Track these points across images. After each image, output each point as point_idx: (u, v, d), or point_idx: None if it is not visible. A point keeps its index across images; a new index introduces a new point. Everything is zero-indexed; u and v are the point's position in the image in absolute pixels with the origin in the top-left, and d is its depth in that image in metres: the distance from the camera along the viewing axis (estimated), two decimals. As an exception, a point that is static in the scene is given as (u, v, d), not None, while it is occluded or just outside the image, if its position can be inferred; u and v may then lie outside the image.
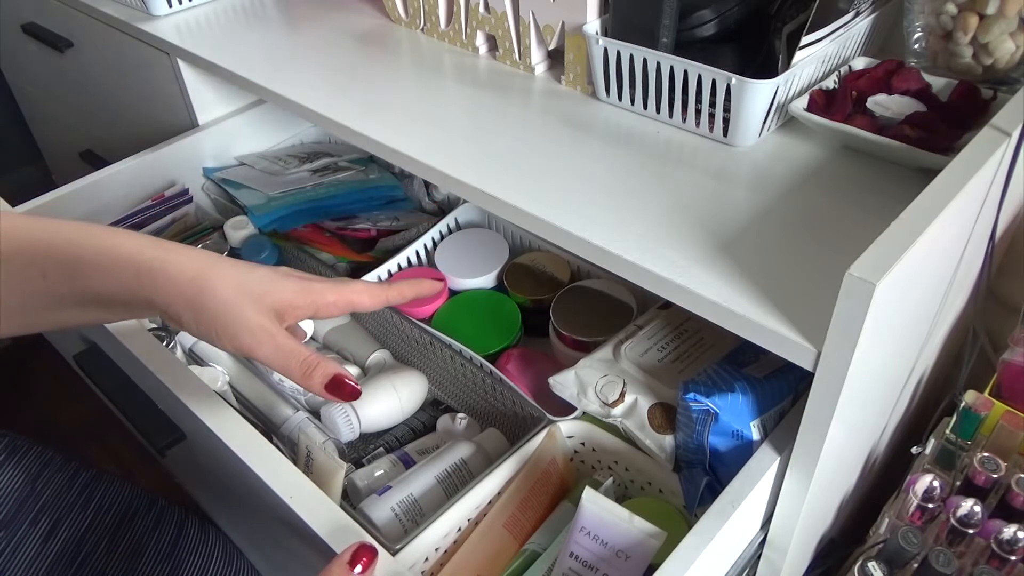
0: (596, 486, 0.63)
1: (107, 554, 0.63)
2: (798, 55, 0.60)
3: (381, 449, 0.76)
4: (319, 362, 0.49)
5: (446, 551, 0.62)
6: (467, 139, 0.67)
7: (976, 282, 0.70)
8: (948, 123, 0.59)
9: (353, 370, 0.82)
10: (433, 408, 0.80)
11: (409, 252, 0.91)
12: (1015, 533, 0.56)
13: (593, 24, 0.68)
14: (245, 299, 0.48)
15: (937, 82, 0.63)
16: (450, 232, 0.94)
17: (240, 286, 0.48)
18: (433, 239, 0.93)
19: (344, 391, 0.50)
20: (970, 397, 0.65)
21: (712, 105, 0.63)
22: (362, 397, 0.75)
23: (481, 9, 0.76)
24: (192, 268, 0.48)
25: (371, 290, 0.55)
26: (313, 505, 0.54)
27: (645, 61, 0.64)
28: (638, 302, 0.80)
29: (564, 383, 0.67)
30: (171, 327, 0.78)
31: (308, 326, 0.84)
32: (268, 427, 0.77)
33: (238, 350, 0.48)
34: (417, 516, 0.63)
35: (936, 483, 0.61)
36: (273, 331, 0.48)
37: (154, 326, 0.77)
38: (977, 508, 0.58)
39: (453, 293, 0.88)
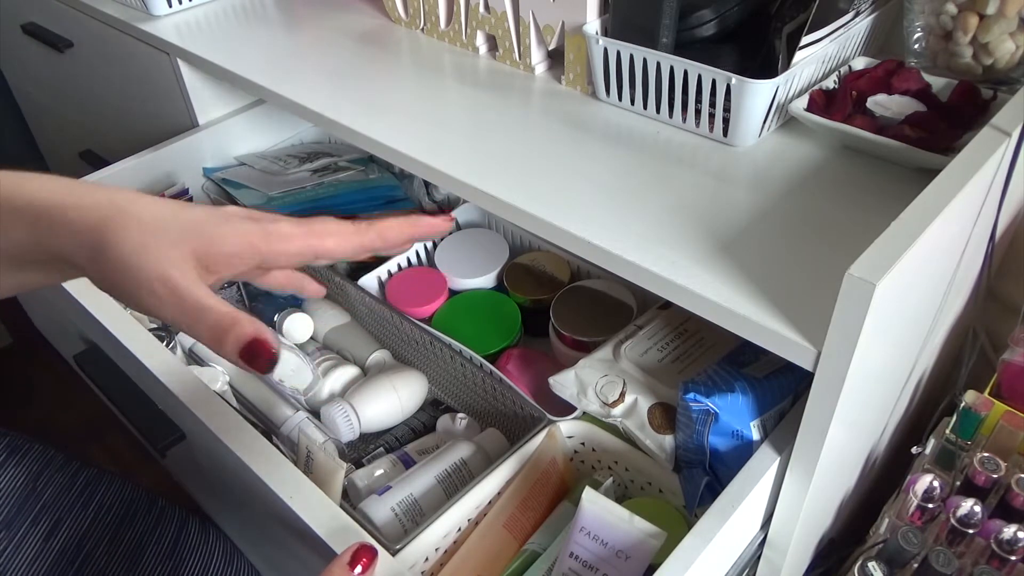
0: (596, 486, 0.63)
1: (108, 554, 0.63)
2: (798, 55, 0.60)
3: (381, 449, 0.76)
4: (234, 323, 0.38)
5: (446, 551, 0.62)
6: (467, 139, 0.67)
7: (976, 282, 0.70)
8: (948, 123, 0.59)
9: (353, 370, 0.82)
10: (433, 408, 0.80)
11: (409, 252, 0.91)
12: (1015, 533, 0.56)
13: (593, 24, 0.68)
14: (155, 246, 0.39)
15: (937, 82, 0.63)
16: (450, 232, 0.94)
17: (153, 230, 0.39)
18: (433, 239, 0.93)
19: (259, 358, 0.39)
20: (970, 397, 0.65)
21: (712, 105, 0.63)
22: (362, 397, 0.76)
23: (481, 9, 0.76)
24: (97, 213, 0.39)
25: (342, 231, 0.44)
26: (313, 505, 0.54)
27: (645, 61, 0.64)
28: (638, 302, 0.80)
29: (564, 383, 0.67)
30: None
31: (307, 326, 0.83)
32: (268, 427, 0.77)
33: (142, 310, 0.40)
34: (417, 516, 0.63)
35: (936, 483, 0.61)
36: (178, 283, 0.38)
37: (154, 326, 0.77)
38: (977, 508, 0.58)
39: (453, 293, 0.88)
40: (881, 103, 0.62)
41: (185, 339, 0.80)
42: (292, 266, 0.44)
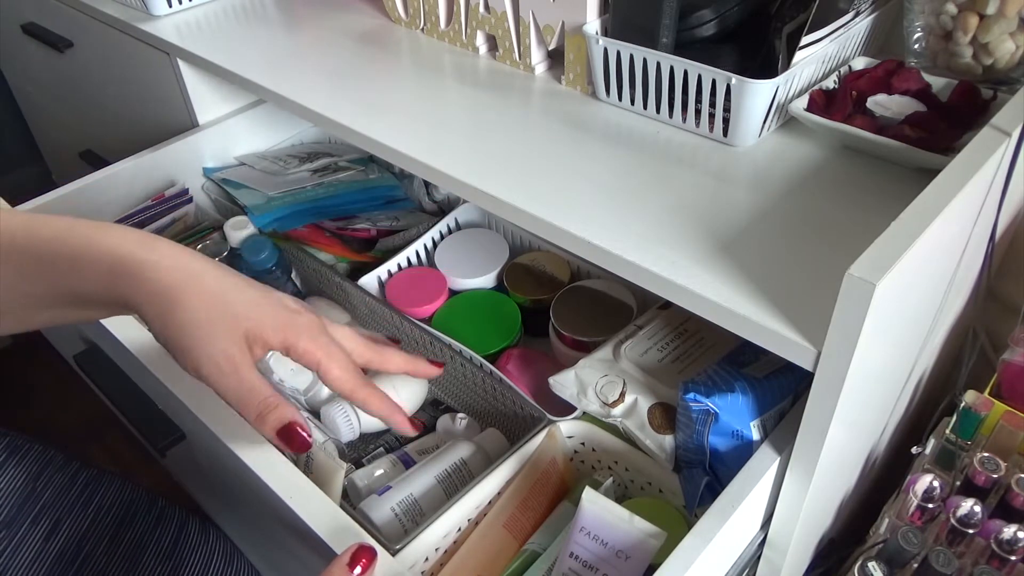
0: (596, 486, 0.63)
1: (107, 554, 0.63)
2: (798, 55, 0.60)
3: (381, 449, 0.76)
4: (277, 405, 0.46)
5: (446, 551, 0.62)
6: (467, 139, 0.66)
7: (976, 282, 0.70)
8: (948, 123, 0.59)
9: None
10: (433, 408, 0.80)
11: (409, 252, 0.91)
12: (1015, 533, 0.56)
13: (593, 24, 0.68)
14: (218, 322, 0.44)
15: (937, 82, 0.63)
16: (450, 232, 0.94)
17: (217, 306, 0.44)
18: (433, 239, 0.93)
19: (294, 442, 0.46)
20: (970, 397, 0.65)
21: (712, 105, 0.63)
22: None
23: (481, 9, 0.76)
24: (170, 277, 0.44)
25: (346, 370, 0.50)
26: (313, 505, 0.54)
27: (645, 61, 0.64)
28: (638, 302, 0.80)
29: (564, 383, 0.67)
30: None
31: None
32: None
33: (196, 375, 0.45)
34: (417, 516, 0.63)
35: (936, 483, 0.61)
36: (239, 362, 0.45)
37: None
38: (977, 508, 0.58)
39: (453, 293, 0.88)
40: (881, 103, 0.62)
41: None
42: (302, 363, 0.50)
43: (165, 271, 0.44)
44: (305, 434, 0.46)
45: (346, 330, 0.53)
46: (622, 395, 0.64)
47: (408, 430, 0.54)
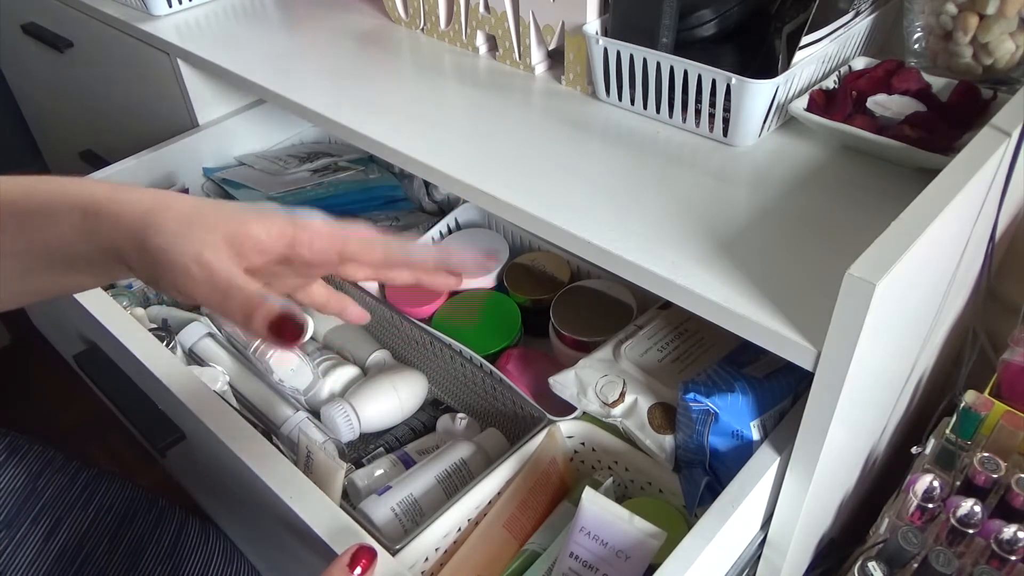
0: (596, 486, 0.63)
1: (108, 554, 0.63)
2: (798, 55, 0.60)
3: (381, 449, 0.76)
4: (264, 299, 0.40)
5: (446, 551, 0.62)
6: (467, 139, 0.67)
7: (976, 282, 0.70)
8: (948, 123, 0.59)
9: (353, 370, 0.82)
10: (433, 408, 0.80)
11: (409, 252, 0.91)
12: (1015, 533, 0.56)
13: (593, 24, 0.68)
14: (192, 231, 0.41)
15: (937, 82, 0.63)
16: (450, 232, 0.94)
17: (191, 218, 0.41)
18: (433, 239, 0.93)
19: (288, 331, 0.40)
20: (970, 397, 0.65)
21: (712, 105, 0.63)
22: (362, 397, 0.76)
23: (481, 9, 0.76)
24: (141, 206, 0.42)
25: (369, 235, 0.46)
26: (313, 505, 0.55)
27: (645, 61, 0.64)
28: (638, 302, 0.80)
29: (564, 383, 0.67)
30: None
31: (308, 326, 0.83)
32: (268, 427, 0.77)
33: (177, 292, 0.42)
34: (417, 516, 0.63)
35: (936, 483, 0.61)
36: (212, 265, 0.41)
37: (154, 326, 0.77)
38: (977, 508, 0.58)
39: (453, 293, 0.88)
40: (881, 103, 0.62)
41: (185, 339, 0.80)
42: (320, 266, 0.46)
43: (136, 202, 0.42)
44: (299, 318, 0.41)
45: (355, 223, 0.48)
46: (622, 395, 0.64)
47: (477, 266, 0.49)
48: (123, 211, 0.42)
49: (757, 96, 0.60)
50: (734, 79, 0.59)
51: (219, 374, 0.77)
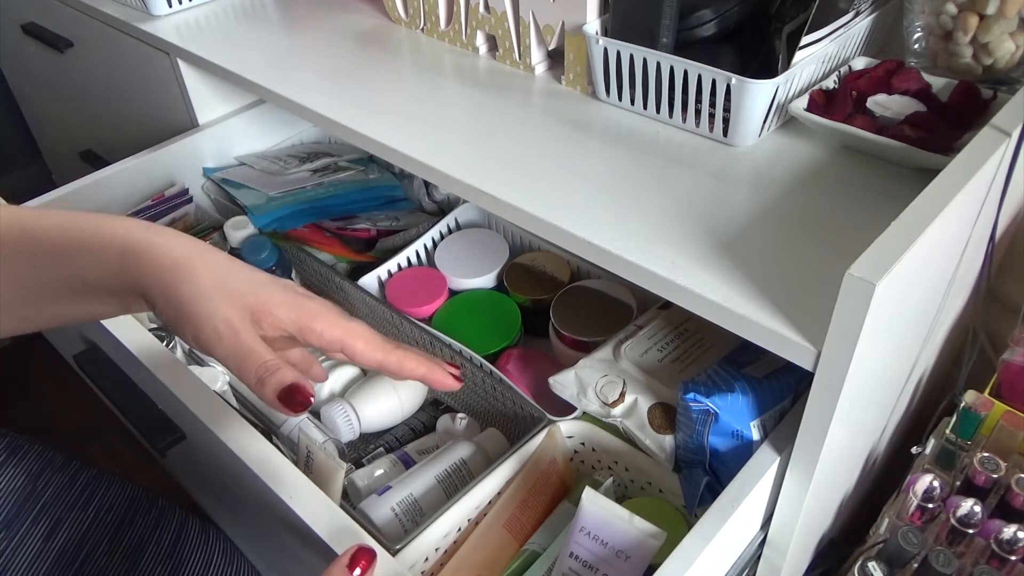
0: (596, 486, 0.63)
1: (108, 554, 0.63)
2: (798, 55, 0.60)
3: (381, 449, 0.76)
4: (278, 368, 0.44)
5: (446, 551, 0.62)
6: (467, 139, 0.67)
7: (976, 282, 0.70)
8: (948, 123, 0.59)
9: (353, 370, 0.82)
10: (433, 408, 0.80)
11: (409, 252, 0.91)
12: (1015, 533, 0.56)
13: (593, 24, 0.68)
14: (221, 292, 0.45)
15: (937, 82, 0.63)
16: (450, 232, 0.94)
17: (221, 279, 0.45)
18: (433, 239, 0.93)
19: (294, 402, 0.44)
20: (970, 397, 0.65)
21: (712, 105, 0.63)
22: (362, 397, 0.76)
23: (481, 9, 0.76)
24: (177, 254, 0.45)
25: (371, 340, 0.48)
26: (313, 505, 0.54)
27: (645, 61, 0.64)
28: (638, 302, 0.80)
29: (564, 383, 0.67)
30: (161, 323, 0.76)
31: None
32: (268, 427, 0.77)
33: (197, 342, 0.45)
34: (417, 516, 0.63)
35: (936, 483, 0.61)
36: (238, 329, 0.44)
37: (154, 326, 0.77)
38: (977, 508, 0.58)
39: (453, 293, 0.88)
40: (881, 103, 0.62)
41: (185, 339, 0.80)
42: (324, 352, 0.49)
43: (173, 248, 0.45)
44: (308, 390, 0.45)
45: (361, 322, 0.51)
46: (622, 395, 0.64)
47: (453, 383, 0.51)
48: (160, 255, 0.45)
49: (757, 96, 0.60)
50: (734, 79, 0.59)
51: (219, 374, 0.76)
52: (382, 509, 0.63)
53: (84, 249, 0.45)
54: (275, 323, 0.46)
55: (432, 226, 0.93)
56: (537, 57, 0.75)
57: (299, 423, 0.75)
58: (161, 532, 0.66)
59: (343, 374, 0.80)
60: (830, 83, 0.65)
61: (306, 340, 0.48)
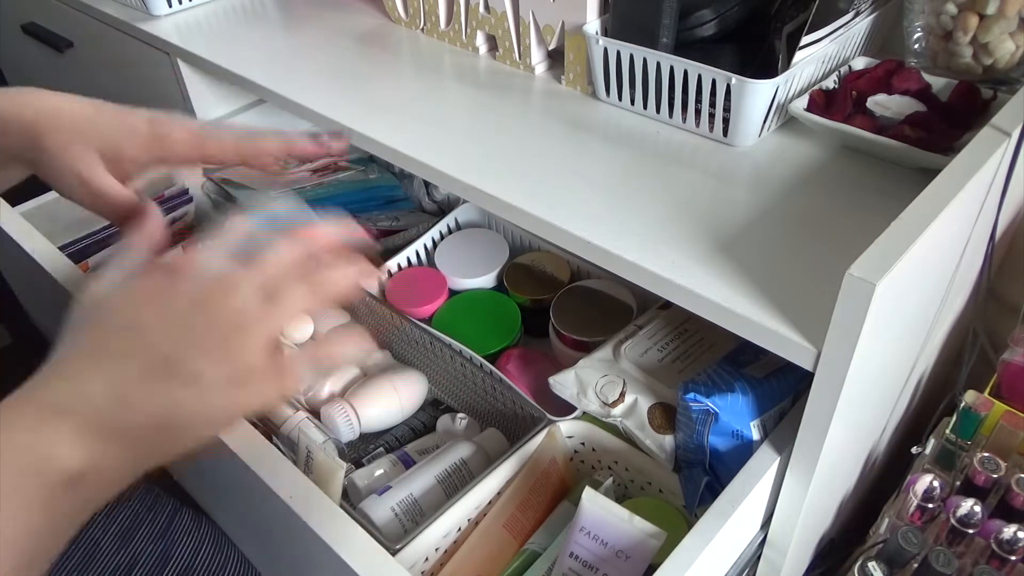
0: (596, 486, 0.63)
1: (103, 530, 0.64)
2: (798, 55, 0.60)
3: (381, 449, 0.76)
4: (134, 206, 0.48)
5: (446, 551, 0.62)
6: (467, 139, 0.67)
7: (976, 282, 0.70)
8: (948, 123, 0.59)
9: (353, 370, 0.82)
10: (433, 408, 0.80)
11: (409, 252, 0.91)
12: (1015, 533, 0.56)
13: (593, 24, 0.68)
14: (73, 147, 0.48)
15: (937, 82, 0.63)
16: (450, 232, 0.94)
17: (72, 132, 0.48)
18: (433, 239, 0.93)
19: (148, 226, 0.45)
20: (970, 397, 0.65)
21: (712, 105, 0.63)
22: (362, 397, 0.76)
23: (481, 9, 0.76)
24: (33, 110, 0.48)
25: (228, 135, 0.52)
26: (313, 505, 0.54)
27: (645, 61, 0.64)
28: (638, 302, 0.80)
29: (564, 383, 0.67)
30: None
31: (307, 327, 0.83)
32: (268, 427, 0.77)
33: (68, 197, 0.49)
34: (417, 516, 0.63)
35: (936, 483, 0.61)
36: (86, 176, 0.48)
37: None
38: (977, 508, 0.58)
39: (453, 293, 0.88)
40: (881, 103, 0.62)
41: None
42: (186, 165, 0.54)
43: (24, 108, 0.48)
44: (157, 218, 0.47)
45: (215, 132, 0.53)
46: (622, 395, 0.64)
47: (314, 148, 0.54)
48: (15, 120, 0.48)
49: (757, 96, 0.60)
50: (734, 79, 0.59)
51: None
52: (382, 509, 0.63)
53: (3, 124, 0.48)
54: (133, 161, 0.50)
55: (432, 226, 0.93)
56: (537, 57, 0.75)
57: (299, 423, 0.75)
58: (155, 514, 0.67)
59: (343, 374, 0.80)
60: (830, 83, 0.65)
61: (166, 161, 0.51)
